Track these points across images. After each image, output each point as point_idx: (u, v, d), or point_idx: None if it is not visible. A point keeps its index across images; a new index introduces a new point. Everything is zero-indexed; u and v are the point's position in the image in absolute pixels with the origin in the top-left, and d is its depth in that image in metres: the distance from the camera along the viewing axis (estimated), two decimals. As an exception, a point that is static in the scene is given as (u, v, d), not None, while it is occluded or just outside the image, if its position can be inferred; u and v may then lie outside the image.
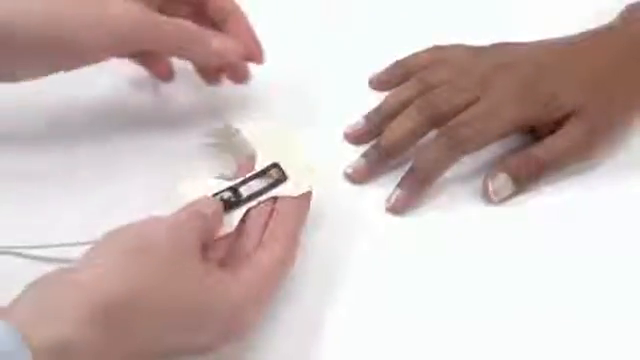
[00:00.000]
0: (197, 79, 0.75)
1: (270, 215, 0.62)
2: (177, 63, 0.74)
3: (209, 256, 0.59)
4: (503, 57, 0.73)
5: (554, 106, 0.70)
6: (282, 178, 0.64)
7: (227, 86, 0.75)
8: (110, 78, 0.76)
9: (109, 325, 0.52)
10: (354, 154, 0.72)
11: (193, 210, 0.60)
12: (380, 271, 0.66)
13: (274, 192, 0.63)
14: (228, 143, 0.70)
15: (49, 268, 0.54)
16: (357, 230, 0.68)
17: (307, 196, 0.64)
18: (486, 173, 0.69)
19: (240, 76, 0.74)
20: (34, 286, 0.54)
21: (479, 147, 0.70)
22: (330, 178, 0.70)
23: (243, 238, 0.61)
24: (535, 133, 0.71)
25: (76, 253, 0.56)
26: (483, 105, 0.70)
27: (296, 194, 0.63)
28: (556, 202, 0.70)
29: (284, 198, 0.63)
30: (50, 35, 0.65)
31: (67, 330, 0.51)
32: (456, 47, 0.76)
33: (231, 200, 0.63)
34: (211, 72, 0.75)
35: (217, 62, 0.72)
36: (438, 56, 0.76)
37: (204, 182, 0.64)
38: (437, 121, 0.70)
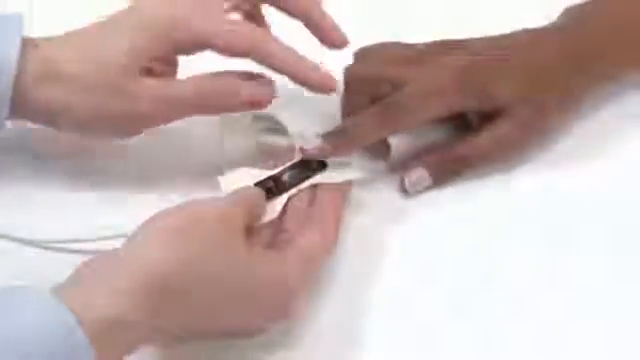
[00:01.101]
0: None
1: (311, 202, 0.64)
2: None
3: (255, 240, 0.61)
4: (441, 47, 0.71)
5: (485, 97, 0.69)
6: (322, 166, 0.66)
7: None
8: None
9: (156, 303, 0.54)
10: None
11: (237, 197, 0.62)
12: (418, 255, 0.67)
13: (314, 180, 0.65)
14: (268, 134, 0.72)
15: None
16: (396, 218, 0.69)
17: (347, 183, 0.66)
18: (406, 165, 0.70)
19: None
20: (84, 268, 0.55)
21: (411, 126, 0.70)
22: (369, 167, 0.70)
23: (285, 225, 0.63)
24: (468, 121, 0.70)
25: (116, 244, 0.57)
26: (418, 86, 0.68)
27: (336, 181, 0.65)
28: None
29: (324, 185, 0.65)
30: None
31: (115, 311, 0.53)
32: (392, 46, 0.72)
33: (273, 189, 0.64)
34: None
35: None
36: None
37: (245, 173, 0.65)
38: None
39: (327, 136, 0.67)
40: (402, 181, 0.69)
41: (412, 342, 0.63)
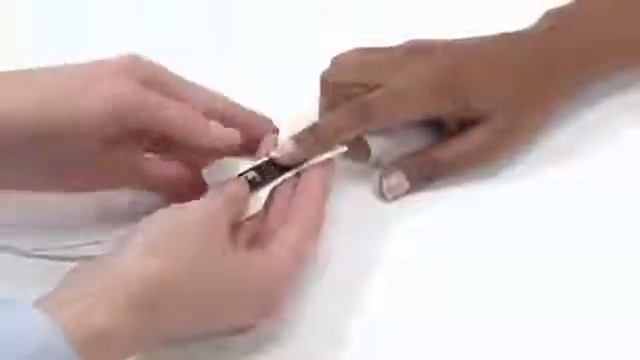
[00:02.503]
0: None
1: (295, 189, 0.63)
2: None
3: (239, 236, 0.61)
4: (415, 51, 0.70)
5: (462, 105, 0.68)
6: None
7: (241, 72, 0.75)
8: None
9: (145, 309, 0.54)
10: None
11: (220, 193, 0.61)
12: (412, 255, 0.67)
13: (298, 168, 0.64)
14: None
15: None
16: (391, 216, 0.68)
17: (329, 165, 0.65)
18: (382, 170, 0.69)
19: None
20: (70, 276, 0.55)
21: (385, 125, 0.69)
22: (352, 161, 0.70)
23: (270, 216, 0.63)
24: (445, 127, 0.70)
25: (101, 250, 0.57)
26: (394, 87, 0.68)
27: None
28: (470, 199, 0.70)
29: (307, 171, 0.64)
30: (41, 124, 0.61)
31: (104, 319, 0.52)
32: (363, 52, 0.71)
33: (256, 180, 0.64)
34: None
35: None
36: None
37: (228, 164, 0.65)
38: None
39: (299, 135, 0.65)
40: (380, 185, 0.69)
41: (406, 342, 0.62)
